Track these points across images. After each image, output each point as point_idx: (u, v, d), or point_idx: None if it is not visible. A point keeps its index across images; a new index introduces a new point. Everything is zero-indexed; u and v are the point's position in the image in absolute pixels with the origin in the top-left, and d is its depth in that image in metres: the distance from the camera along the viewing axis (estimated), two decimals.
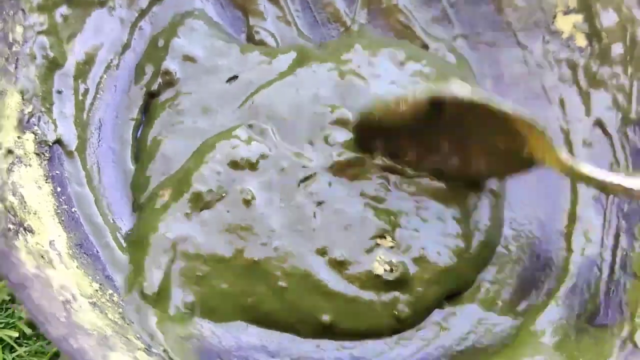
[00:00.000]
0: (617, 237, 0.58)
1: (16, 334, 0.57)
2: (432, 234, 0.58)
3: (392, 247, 0.57)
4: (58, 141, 0.57)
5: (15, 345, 0.57)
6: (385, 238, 0.58)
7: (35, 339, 0.58)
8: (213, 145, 0.58)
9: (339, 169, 0.59)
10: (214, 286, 0.55)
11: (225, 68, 0.63)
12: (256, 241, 0.56)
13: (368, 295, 0.56)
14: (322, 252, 0.56)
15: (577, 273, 0.59)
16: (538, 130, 0.53)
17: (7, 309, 0.59)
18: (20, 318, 0.58)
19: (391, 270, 0.56)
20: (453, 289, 0.59)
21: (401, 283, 0.57)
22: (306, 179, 0.58)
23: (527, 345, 0.55)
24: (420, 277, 0.57)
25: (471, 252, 0.59)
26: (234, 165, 0.57)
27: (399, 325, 0.57)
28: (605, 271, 0.57)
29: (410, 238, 0.58)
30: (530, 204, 0.63)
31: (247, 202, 0.56)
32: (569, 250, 0.60)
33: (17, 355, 0.56)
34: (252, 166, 0.58)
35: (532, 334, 0.56)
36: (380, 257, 0.57)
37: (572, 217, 0.61)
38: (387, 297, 0.57)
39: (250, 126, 0.59)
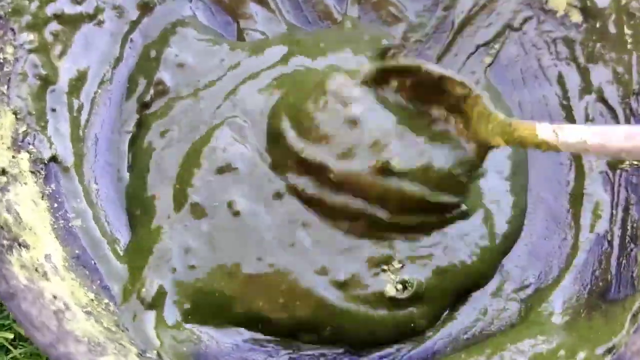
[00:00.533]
0: (626, 210, 0.56)
1: (11, 336, 0.57)
2: (446, 238, 0.56)
3: (402, 267, 0.55)
4: (53, 158, 0.58)
5: (10, 347, 0.57)
6: (390, 263, 0.55)
7: (30, 340, 0.58)
8: (200, 151, 0.58)
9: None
10: (212, 296, 0.55)
11: (216, 66, 0.63)
12: (251, 255, 0.55)
13: (381, 313, 0.55)
14: (321, 272, 0.54)
15: (588, 250, 0.57)
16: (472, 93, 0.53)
17: (3, 311, 0.59)
18: (15, 320, 0.57)
19: (404, 288, 0.54)
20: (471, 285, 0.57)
21: (417, 298, 0.55)
22: (277, 195, 0.56)
23: (535, 326, 0.53)
24: (438, 286, 0.55)
25: (494, 246, 0.57)
26: (220, 171, 0.57)
27: (414, 335, 0.56)
28: (616, 245, 0.55)
29: (420, 247, 0.56)
30: (536, 186, 0.61)
31: (236, 214, 0.56)
32: (578, 227, 0.58)
33: (13, 357, 0.57)
34: (235, 171, 0.57)
35: (540, 314, 0.54)
36: (391, 278, 0.54)
37: (580, 195, 0.59)
38: (402, 313, 0.55)
39: (230, 123, 0.59)
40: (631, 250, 0.54)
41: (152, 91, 0.63)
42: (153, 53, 0.64)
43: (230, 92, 0.61)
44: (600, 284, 0.54)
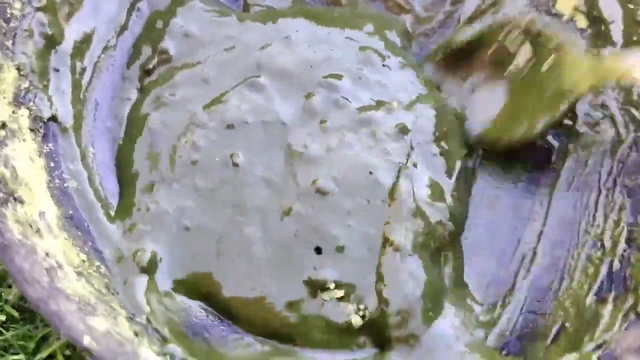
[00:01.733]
0: (619, 212, 0.56)
1: (3, 318, 0.56)
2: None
3: (343, 298, 0.53)
4: (53, 118, 0.57)
5: (2, 329, 0.56)
6: (328, 289, 0.53)
7: (22, 322, 0.57)
8: (210, 109, 0.58)
9: None
10: (207, 263, 0.54)
11: (224, 38, 0.62)
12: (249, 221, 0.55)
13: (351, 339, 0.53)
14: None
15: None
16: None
17: None
18: (7, 301, 0.57)
19: (363, 317, 0.53)
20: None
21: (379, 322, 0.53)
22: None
23: None
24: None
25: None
26: (229, 127, 0.58)
27: None
28: (608, 247, 0.55)
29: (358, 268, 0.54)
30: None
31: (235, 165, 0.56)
32: None
33: (4, 340, 0.55)
34: (245, 125, 0.58)
35: None
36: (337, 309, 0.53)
37: None
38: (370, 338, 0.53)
39: (250, 83, 0.59)
40: (624, 251, 0.54)
41: (155, 59, 0.63)
42: (159, 22, 0.64)
43: (246, 54, 0.61)
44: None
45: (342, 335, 0.52)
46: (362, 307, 0.53)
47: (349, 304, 0.53)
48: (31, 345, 0.56)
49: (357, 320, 0.52)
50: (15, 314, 0.57)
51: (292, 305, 0.52)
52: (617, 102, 0.60)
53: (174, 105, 0.60)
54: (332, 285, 0.53)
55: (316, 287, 0.53)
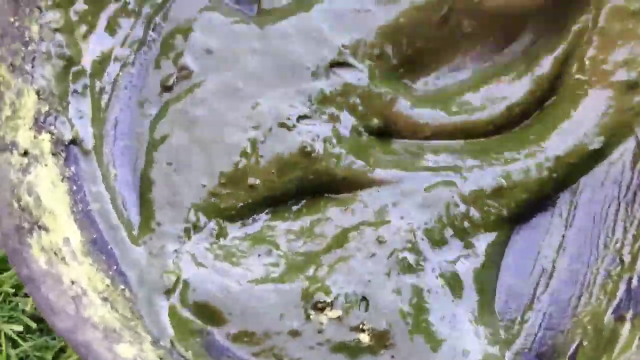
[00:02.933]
0: (639, 227, 0.56)
1: (20, 328, 0.56)
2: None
3: (339, 318, 0.54)
4: (74, 141, 0.58)
5: (19, 339, 0.56)
6: (322, 310, 0.54)
7: (39, 333, 0.57)
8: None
9: None
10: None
11: (244, 51, 0.63)
12: None
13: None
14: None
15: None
16: None
17: (10, 302, 0.58)
18: (23, 311, 0.57)
19: (369, 336, 0.53)
20: None
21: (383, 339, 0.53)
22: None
23: None
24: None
25: None
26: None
27: None
28: (627, 262, 0.55)
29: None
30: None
31: None
32: None
33: (22, 351, 0.56)
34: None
35: None
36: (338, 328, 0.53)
37: None
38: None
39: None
40: None
41: (174, 76, 0.63)
42: (178, 38, 0.64)
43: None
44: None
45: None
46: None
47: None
48: (49, 356, 0.56)
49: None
50: (32, 324, 0.57)
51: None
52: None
53: (203, 120, 0.60)
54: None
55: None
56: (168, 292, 0.54)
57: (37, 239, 0.49)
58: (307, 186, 0.59)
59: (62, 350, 0.57)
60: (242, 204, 0.59)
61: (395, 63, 0.64)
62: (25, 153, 0.53)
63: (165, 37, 0.65)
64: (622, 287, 0.54)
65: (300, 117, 0.60)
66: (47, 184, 0.53)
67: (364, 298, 0.54)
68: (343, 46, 0.62)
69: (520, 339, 0.56)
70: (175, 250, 0.56)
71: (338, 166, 0.59)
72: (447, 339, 0.54)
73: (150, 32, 0.65)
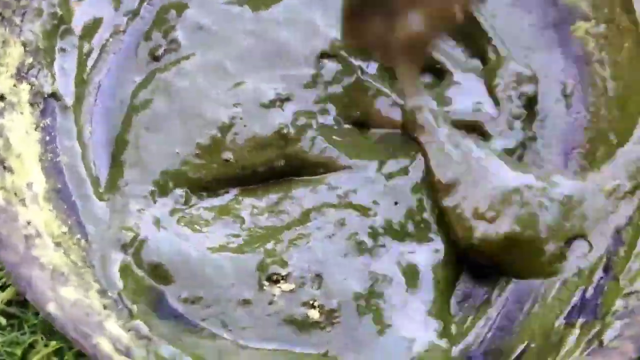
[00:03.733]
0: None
1: None
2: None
3: (292, 291, 0.54)
4: (54, 95, 0.59)
5: None
6: (275, 282, 0.54)
7: (10, 329, 0.57)
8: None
9: None
10: None
11: (240, 31, 0.64)
12: None
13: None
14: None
15: None
16: None
17: None
18: None
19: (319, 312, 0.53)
20: None
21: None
22: None
23: None
24: None
25: None
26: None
27: None
28: (585, 274, 0.55)
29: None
30: None
31: None
32: None
33: None
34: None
35: None
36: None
37: None
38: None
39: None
40: (600, 279, 0.54)
41: (164, 47, 0.64)
42: (172, 12, 0.65)
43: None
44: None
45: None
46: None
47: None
48: (18, 351, 0.56)
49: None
50: (3, 320, 0.57)
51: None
52: None
53: (185, 92, 0.61)
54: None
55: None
56: (124, 248, 0.54)
57: (0, 178, 0.50)
58: (278, 167, 0.60)
59: (32, 345, 0.57)
60: (212, 177, 0.59)
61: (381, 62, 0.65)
62: (2, 97, 0.54)
63: (159, 11, 0.66)
64: (577, 296, 0.54)
65: (282, 100, 0.61)
66: (19, 130, 0.54)
67: (318, 275, 0.54)
68: (336, 39, 0.63)
69: (471, 336, 0.55)
70: (139, 210, 0.56)
71: (311, 151, 0.59)
72: (394, 325, 0.53)
73: (146, 5, 0.66)
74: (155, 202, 0.58)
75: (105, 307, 0.49)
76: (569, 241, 0.56)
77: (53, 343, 0.55)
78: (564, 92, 0.65)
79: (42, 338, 0.56)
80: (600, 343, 0.48)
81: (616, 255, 0.54)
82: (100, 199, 0.57)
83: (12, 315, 0.58)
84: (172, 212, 0.57)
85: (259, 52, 0.63)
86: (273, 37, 0.64)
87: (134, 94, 0.62)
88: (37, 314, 0.55)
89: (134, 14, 0.66)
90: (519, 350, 0.53)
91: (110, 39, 0.64)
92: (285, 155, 0.59)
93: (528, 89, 0.64)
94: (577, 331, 0.51)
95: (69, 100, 0.60)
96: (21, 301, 0.57)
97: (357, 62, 0.63)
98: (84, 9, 0.63)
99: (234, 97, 0.61)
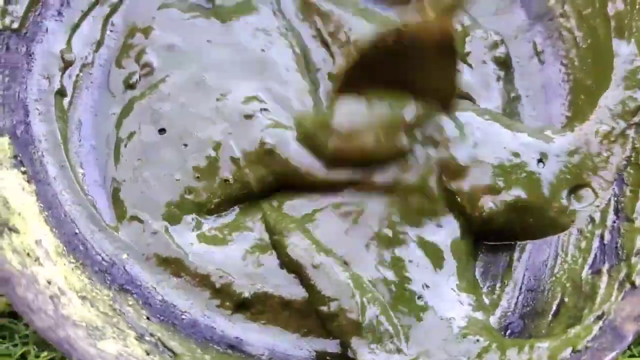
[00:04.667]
0: None
1: None
2: None
3: None
4: (38, 141, 0.57)
5: None
6: None
7: (1, 340, 0.56)
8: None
9: None
10: None
11: (211, 44, 0.63)
12: None
13: None
14: None
15: None
16: None
17: None
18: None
19: None
20: None
21: None
22: None
23: None
24: None
25: None
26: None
27: None
28: (598, 219, 0.57)
29: None
30: None
31: None
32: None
33: None
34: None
35: None
36: None
37: None
38: None
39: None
40: (614, 222, 0.56)
41: (138, 73, 0.62)
42: (138, 36, 0.63)
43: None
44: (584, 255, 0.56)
45: None
46: None
47: None
48: None
49: None
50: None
51: None
52: None
53: (170, 115, 0.60)
54: None
55: None
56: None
57: (9, 241, 0.47)
58: (273, 182, 0.59)
59: (24, 357, 0.56)
60: (217, 199, 0.58)
61: None
62: None
63: (125, 37, 0.64)
64: (596, 243, 0.56)
65: (263, 110, 0.60)
66: (13, 186, 0.52)
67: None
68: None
69: (503, 303, 0.57)
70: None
71: (289, 166, 0.58)
72: (431, 307, 0.54)
73: (108, 32, 0.64)
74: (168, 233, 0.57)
75: (147, 353, 0.47)
76: (573, 192, 0.58)
77: (44, 354, 0.55)
78: (535, 50, 0.66)
79: (33, 349, 0.56)
80: (633, 284, 0.50)
81: (624, 197, 0.56)
82: (109, 239, 0.56)
83: (3, 326, 0.57)
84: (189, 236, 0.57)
85: (236, 62, 0.62)
86: (248, 47, 0.63)
87: (117, 127, 0.60)
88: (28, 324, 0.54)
89: (98, 44, 0.63)
90: (555, 307, 0.54)
91: (81, 74, 0.62)
92: (276, 172, 0.59)
93: (498, 51, 0.65)
94: (605, 278, 0.53)
95: (54, 144, 0.58)
96: (12, 312, 0.56)
97: None
98: (43, 47, 0.60)
99: (220, 113, 0.60)
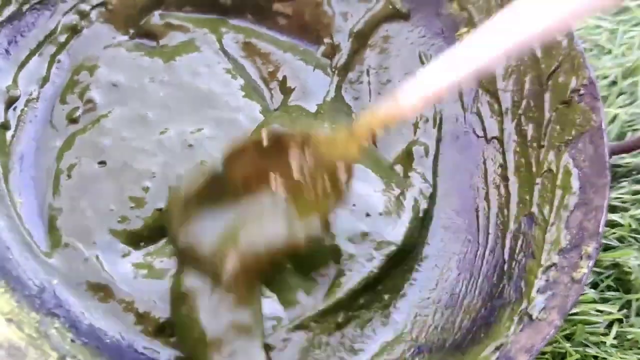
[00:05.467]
0: (518, 222, 0.62)
1: None
2: None
3: None
4: None
5: None
6: None
7: None
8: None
9: None
10: None
11: (155, 82, 0.67)
12: None
13: None
14: None
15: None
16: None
17: None
18: None
19: None
20: None
21: None
22: None
23: None
24: None
25: None
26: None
27: None
28: (507, 255, 0.60)
29: None
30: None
31: None
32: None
33: None
34: None
35: None
36: None
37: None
38: None
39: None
40: (521, 259, 0.59)
41: (81, 109, 0.66)
42: (83, 73, 0.67)
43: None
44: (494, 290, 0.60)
45: None
46: None
47: None
48: None
49: None
50: None
51: None
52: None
53: (111, 149, 0.63)
54: None
55: None
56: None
57: None
58: None
59: None
60: (150, 228, 0.61)
61: None
62: None
63: (71, 74, 0.68)
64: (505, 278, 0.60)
65: (208, 138, 0.64)
66: None
67: None
68: None
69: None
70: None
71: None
72: None
73: (54, 69, 0.67)
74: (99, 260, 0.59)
75: None
76: None
77: None
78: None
79: None
80: (530, 317, 0.54)
81: (532, 234, 0.60)
82: (42, 268, 0.58)
83: None
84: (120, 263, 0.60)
85: (181, 99, 0.66)
86: (192, 85, 0.67)
87: (58, 160, 0.63)
88: None
89: (44, 80, 0.67)
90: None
91: (25, 109, 0.65)
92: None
93: None
94: (509, 310, 0.56)
95: None
96: None
97: None
98: None
99: (162, 145, 0.63)
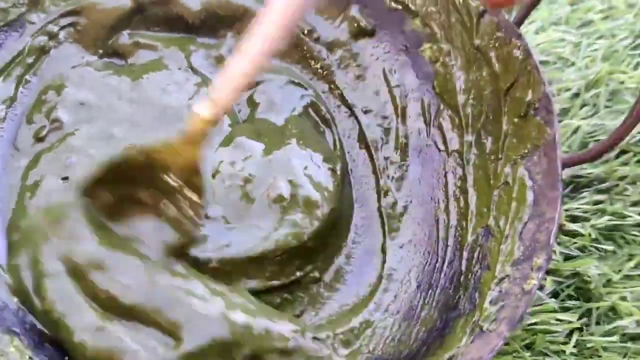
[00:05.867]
0: (475, 233, 0.63)
1: None
2: None
3: None
4: None
5: None
6: None
7: None
8: None
9: None
10: None
11: (122, 100, 0.68)
12: None
13: None
14: None
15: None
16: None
17: None
18: None
19: None
20: None
21: None
22: None
23: None
24: None
25: None
26: None
27: None
28: (464, 267, 0.61)
29: None
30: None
31: None
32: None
33: None
34: None
35: None
36: None
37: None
38: None
39: None
40: (477, 271, 0.61)
41: (47, 128, 0.67)
42: (51, 93, 0.68)
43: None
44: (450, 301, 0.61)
45: None
46: None
47: None
48: None
49: None
50: None
51: None
52: None
53: (77, 165, 0.63)
54: None
55: None
56: None
57: None
58: None
59: None
60: None
61: None
62: None
63: (38, 94, 0.69)
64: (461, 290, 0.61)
65: None
66: None
67: None
68: None
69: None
70: None
71: None
72: None
73: (22, 90, 0.69)
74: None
75: None
76: None
77: None
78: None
79: None
80: (481, 328, 0.55)
81: (488, 247, 0.61)
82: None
83: None
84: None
85: (147, 116, 0.67)
86: (161, 102, 0.68)
87: (23, 178, 0.64)
88: None
89: (12, 100, 0.68)
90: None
91: None
92: None
93: None
94: (462, 321, 0.57)
95: None
96: None
97: None
98: None
99: None
